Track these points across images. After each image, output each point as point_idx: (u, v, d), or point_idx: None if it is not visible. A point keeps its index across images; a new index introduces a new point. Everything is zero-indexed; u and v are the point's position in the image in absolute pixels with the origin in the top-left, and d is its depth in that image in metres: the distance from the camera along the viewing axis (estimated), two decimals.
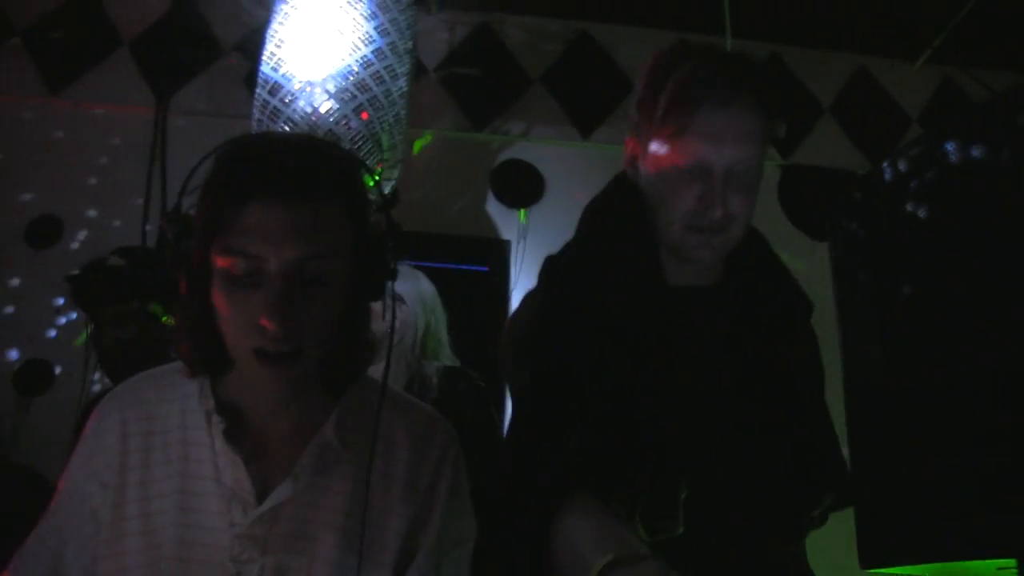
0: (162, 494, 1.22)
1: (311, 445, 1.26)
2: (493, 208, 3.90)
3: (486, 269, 3.81)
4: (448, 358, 2.55)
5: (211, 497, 1.21)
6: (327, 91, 2.46)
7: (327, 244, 1.17)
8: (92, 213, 3.76)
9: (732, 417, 1.52)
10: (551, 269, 1.63)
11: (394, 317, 1.27)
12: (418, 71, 3.79)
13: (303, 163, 1.18)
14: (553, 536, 1.30)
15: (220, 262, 1.15)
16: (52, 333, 3.59)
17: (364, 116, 2.41)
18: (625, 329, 1.53)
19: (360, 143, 2.43)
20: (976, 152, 1.46)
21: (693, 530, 1.44)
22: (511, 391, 1.64)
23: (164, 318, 2.43)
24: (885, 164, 1.77)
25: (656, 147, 1.49)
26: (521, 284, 3.69)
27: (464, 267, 3.82)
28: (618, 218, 1.60)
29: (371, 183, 1.31)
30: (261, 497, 1.21)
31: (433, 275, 2.59)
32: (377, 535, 1.25)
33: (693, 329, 1.56)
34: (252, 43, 3.82)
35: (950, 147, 1.52)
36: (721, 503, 1.48)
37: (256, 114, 2.57)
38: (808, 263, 3.76)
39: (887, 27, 4.08)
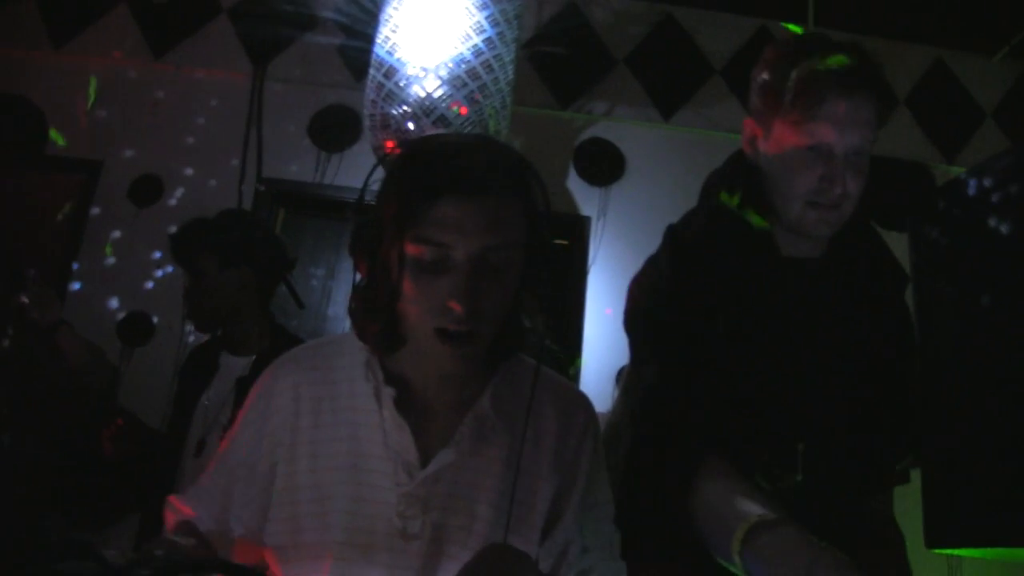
0: (332, 454, 1.36)
1: (469, 416, 1.38)
2: (574, 184, 4.02)
3: (567, 243, 3.94)
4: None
5: (379, 459, 1.35)
6: (440, 77, 2.58)
7: (507, 236, 1.28)
8: (189, 172, 3.95)
9: (837, 380, 1.67)
10: (674, 238, 1.77)
11: (546, 302, 1.39)
12: None
13: (487, 163, 1.29)
14: (693, 502, 1.45)
15: (411, 250, 1.26)
16: (150, 285, 3.79)
17: (463, 111, 2.52)
18: (743, 296, 1.68)
19: (469, 128, 2.56)
20: None
21: (804, 480, 1.62)
22: (633, 353, 1.77)
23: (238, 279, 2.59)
24: (970, 176, 1.86)
25: (781, 130, 1.63)
26: (600, 259, 3.83)
27: None
28: (737, 193, 1.74)
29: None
30: (424, 461, 1.35)
31: None
32: (528, 499, 1.38)
33: (804, 296, 1.70)
34: (347, 14, 3.97)
35: None
36: (826, 457, 1.64)
37: (371, 95, 2.70)
38: None
39: (967, 19, 4.11)
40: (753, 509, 1.36)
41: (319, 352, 1.48)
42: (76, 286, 3.79)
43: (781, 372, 1.67)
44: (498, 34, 2.67)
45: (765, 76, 1.68)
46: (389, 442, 1.36)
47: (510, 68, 2.74)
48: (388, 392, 1.37)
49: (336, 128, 3.89)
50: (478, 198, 1.26)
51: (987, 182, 1.77)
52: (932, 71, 4.35)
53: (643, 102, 4.13)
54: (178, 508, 1.49)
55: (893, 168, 4.12)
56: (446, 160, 1.29)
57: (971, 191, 1.83)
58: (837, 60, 1.59)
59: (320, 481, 1.36)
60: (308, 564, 1.34)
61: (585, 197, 3.99)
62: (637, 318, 1.80)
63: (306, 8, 4.07)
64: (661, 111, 4.11)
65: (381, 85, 2.65)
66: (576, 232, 3.90)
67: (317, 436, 1.39)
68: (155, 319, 3.75)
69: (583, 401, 1.52)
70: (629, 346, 1.80)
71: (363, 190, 1.37)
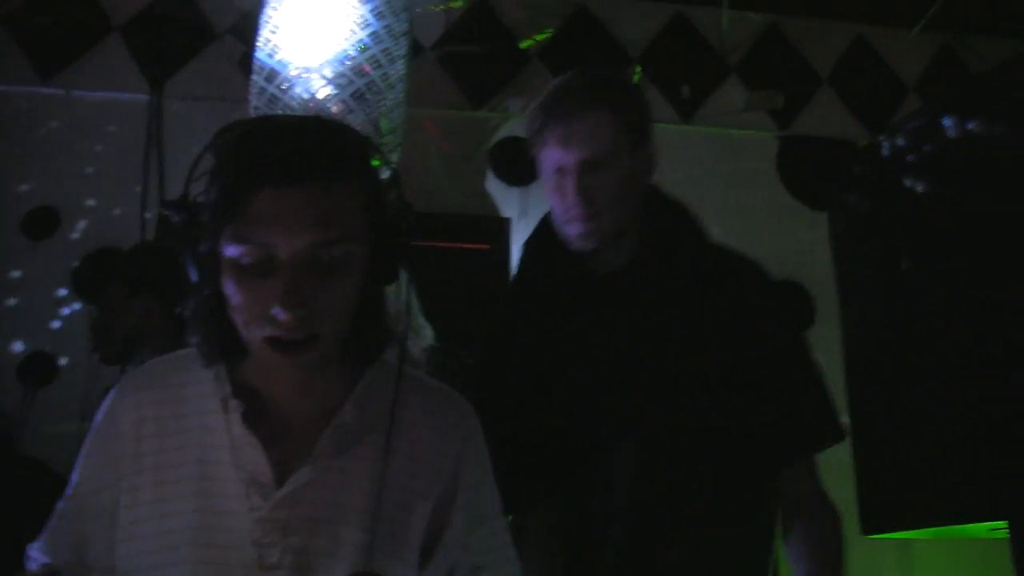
0: (178, 479, 1.22)
1: (329, 428, 1.25)
2: (492, 186, 3.87)
3: (486, 247, 3.80)
4: (429, 337, 2.56)
5: (230, 482, 1.21)
6: (324, 77, 2.45)
7: (340, 229, 1.15)
8: (91, 202, 3.73)
9: (667, 391, 1.67)
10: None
11: (409, 299, 1.27)
12: (415, 50, 3.77)
13: (313, 147, 1.15)
14: None
15: (229, 251, 1.13)
16: (56, 324, 3.58)
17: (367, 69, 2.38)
18: (554, 315, 1.78)
19: (360, 128, 2.42)
20: (973, 126, 1.47)
21: (640, 517, 1.61)
22: None
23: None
24: (883, 138, 1.77)
25: (540, 160, 1.77)
26: None
27: (464, 246, 3.81)
28: (544, 220, 1.87)
29: (378, 163, 1.29)
30: (281, 481, 1.21)
31: (433, 254, 2.57)
32: (403, 517, 1.25)
33: (610, 310, 1.75)
34: (246, 26, 3.79)
35: (947, 122, 1.53)
36: (669, 484, 1.63)
37: (253, 101, 2.55)
38: (809, 234, 3.77)
39: None
40: None
41: (167, 366, 1.33)
42: None
43: (582, 391, 1.69)
44: (384, 27, 2.53)
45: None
46: (240, 461, 1.21)
47: (401, 63, 2.60)
48: (236, 405, 1.22)
49: None
50: (303, 189, 1.12)
51: (900, 142, 1.70)
52: (853, 48, 4.28)
53: None
54: (35, 559, 1.32)
55: (819, 147, 4.04)
56: (265, 147, 1.14)
57: (885, 153, 1.75)
58: (563, 87, 1.75)
59: (165, 511, 1.21)
60: None
61: (504, 198, 3.84)
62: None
63: (202, 23, 3.89)
64: None
65: (263, 90, 2.50)
66: (496, 235, 3.76)
67: (162, 461, 1.24)
68: (62, 360, 3.53)
69: (461, 406, 1.38)
70: None
71: (187, 183, 1.20)
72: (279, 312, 1.11)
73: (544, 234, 1.85)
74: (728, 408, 1.65)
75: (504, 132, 3.94)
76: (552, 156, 1.70)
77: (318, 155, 1.15)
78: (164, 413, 1.27)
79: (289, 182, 1.11)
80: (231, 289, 1.15)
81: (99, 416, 1.32)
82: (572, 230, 1.72)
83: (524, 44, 3.97)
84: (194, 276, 1.20)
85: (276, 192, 1.11)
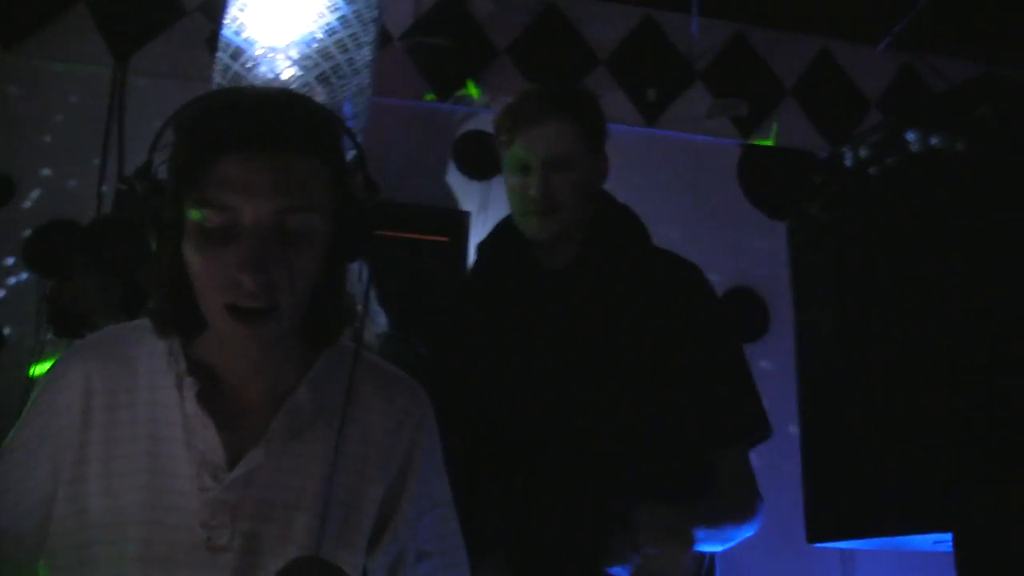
0: (128, 455, 1.19)
1: (283, 410, 1.23)
2: (454, 179, 3.87)
3: (446, 240, 3.81)
4: (383, 324, 2.56)
5: (181, 461, 1.19)
6: (290, 57, 2.43)
7: (305, 198, 1.14)
8: (47, 172, 3.68)
9: (604, 381, 1.76)
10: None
11: (369, 279, 1.27)
12: (383, 39, 3.75)
13: (282, 115, 1.15)
14: None
15: (193, 214, 1.12)
16: (1, 293, 3.53)
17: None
18: (502, 309, 1.87)
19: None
20: (935, 141, 1.50)
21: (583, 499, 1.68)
22: None
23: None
24: (846, 149, 1.80)
25: (502, 156, 1.88)
26: None
27: (424, 237, 3.82)
28: (504, 220, 1.98)
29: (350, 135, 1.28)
30: (233, 462, 1.19)
31: (393, 245, 2.58)
32: (356, 503, 1.24)
33: (553, 305, 1.85)
34: (215, 4, 3.76)
35: (911, 136, 1.56)
36: (609, 468, 1.70)
37: (217, 78, 2.53)
38: (767, 243, 3.81)
39: (850, 8, 4.11)
40: None
41: (120, 338, 1.29)
42: None
43: (526, 380, 1.78)
44: (354, 12, 2.52)
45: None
46: (192, 441, 1.19)
47: (368, 49, 2.59)
48: (190, 383, 1.20)
49: None
50: (270, 154, 1.11)
51: (863, 153, 1.73)
52: (818, 61, 4.32)
53: None
54: None
55: (780, 157, 4.09)
56: (234, 112, 1.14)
57: (847, 163, 1.78)
58: (533, 93, 1.87)
59: (113, 487, 1.18)
60: None
61: (465, 192, 3.85)
62: None
63: None
64: None
65: (227, 67, 2.48)
66: (455, 227, 3.77)
67: (112, 435, 1.20)
68: (7, 330, 3.48)
69: (417, 392, 1.37)
70: None
71: (152, 148, 1.18)
72: (243, 276, 1.10)
73: (499, 234, 1.97)
74: (660, 399, 1.72)
75: (469, 125, 3.94)
76: (518, 154, 1.81)
77: (286, 124, 1.14)
78: (115, 386, 1.24)
79: (256, 147, 1.11)
80: (193, 254, 1.13)
81: (44, 385, 1.28)
82: (530, 224, 1.83)
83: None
84: (155, 244, 1.18)
85: (242, 157, 1.10)
